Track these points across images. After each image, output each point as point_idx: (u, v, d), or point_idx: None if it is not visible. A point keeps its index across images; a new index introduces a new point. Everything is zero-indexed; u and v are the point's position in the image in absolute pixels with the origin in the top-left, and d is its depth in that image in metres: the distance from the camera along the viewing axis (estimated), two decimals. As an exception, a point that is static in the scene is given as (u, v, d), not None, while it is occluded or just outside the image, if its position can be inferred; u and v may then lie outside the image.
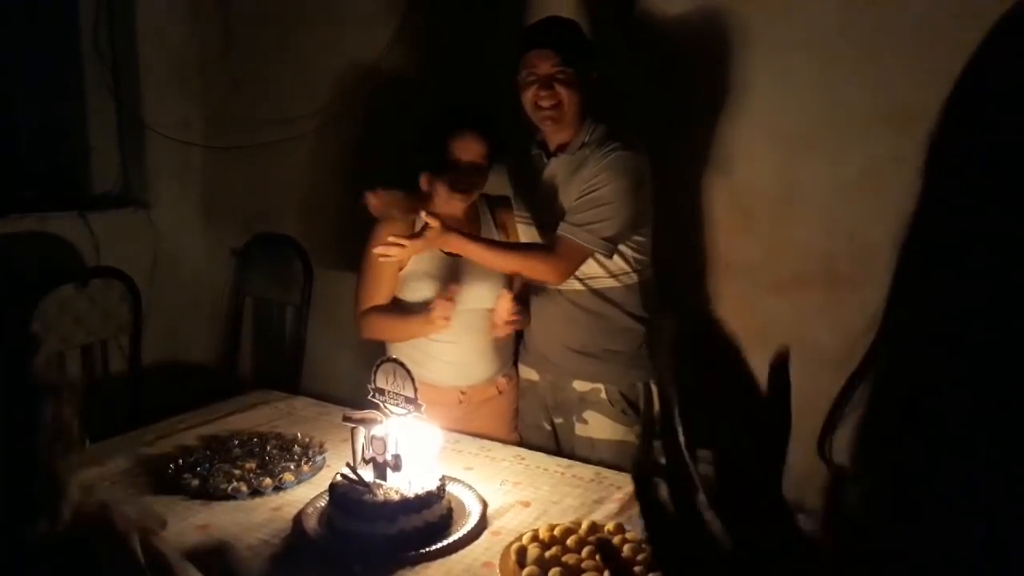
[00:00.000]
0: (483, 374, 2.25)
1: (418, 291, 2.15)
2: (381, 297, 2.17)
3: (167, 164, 3.33)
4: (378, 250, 1.98)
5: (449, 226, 2.01)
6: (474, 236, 2.09)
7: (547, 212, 2.16)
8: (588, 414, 2.20)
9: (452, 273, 2.13)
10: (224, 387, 2.81)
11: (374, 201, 2.07)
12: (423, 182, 2.06)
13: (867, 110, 2.18)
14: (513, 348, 2.33)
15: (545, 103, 2.04)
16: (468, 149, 2.04)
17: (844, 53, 2.20)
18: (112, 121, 3.29)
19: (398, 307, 2.18)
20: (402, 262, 2.12)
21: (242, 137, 3.23)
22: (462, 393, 2.21)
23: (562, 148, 2.14)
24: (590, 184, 2.05)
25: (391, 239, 1.96)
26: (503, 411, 2.32)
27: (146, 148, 3.27)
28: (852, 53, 2.19)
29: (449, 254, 2.12)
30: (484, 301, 2.14)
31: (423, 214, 1.96)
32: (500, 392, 2.30)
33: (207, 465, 1.90)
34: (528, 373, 2.33)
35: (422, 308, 2.07)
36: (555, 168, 2.15)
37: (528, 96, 2.06)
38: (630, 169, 2.06)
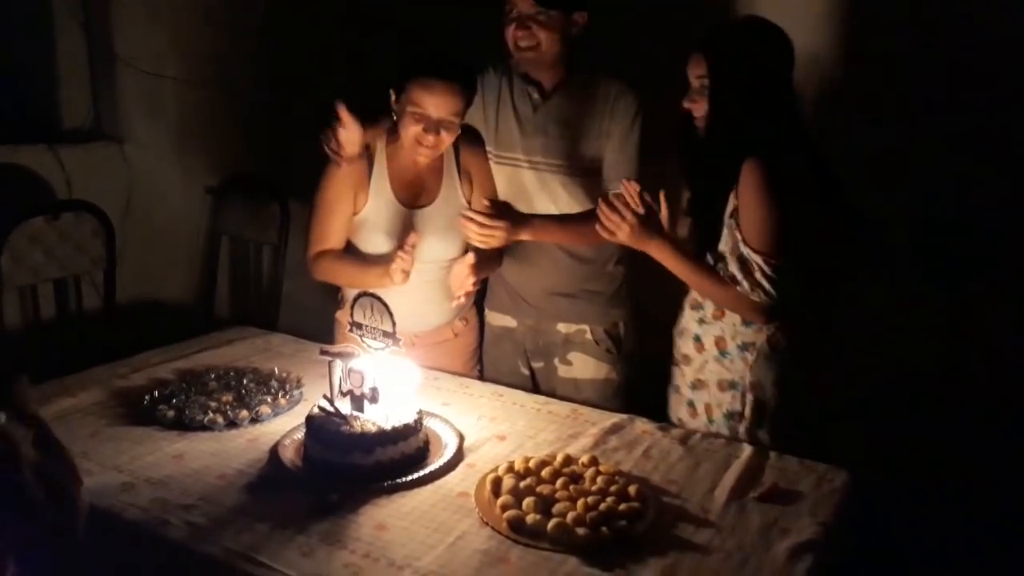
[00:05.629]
0: (437, 321, 2.20)
1: (372, 242, 2.09)
2: (334, 241, 2.10)
3: (139, 98, 3.25)
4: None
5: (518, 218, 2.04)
6: (542, 226, 2.07)
7: (543, 153, 2.11)
8: (573, 355, 2.21)
9: (408, 224, 2.06)
10: (200, 326, 2.79)
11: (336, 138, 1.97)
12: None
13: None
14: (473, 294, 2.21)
15: (523, 43, 1.99)
16: (441, 105, 1.91)
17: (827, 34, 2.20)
18: (83, 53, 3.20)
19: (353, 254, 2.12)
20: (357, 207, 2.07)
21: (215, 72, 3.15)
22: (415, 336, 2.12)
23: (556, 87, 2.09)
24: (614, 139, 2.05)
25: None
26: (458, 351, 2.28)
27: (117, 81, 3.20)
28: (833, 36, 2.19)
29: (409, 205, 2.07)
30: (443, 253, 2.09)
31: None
32: (456, 335, 2.25)
33: (183, 397, 1.89)
34: (502, 320, 2.30)
35: (379, 259, 2.02)
36: (552, 108, 2.09)
37: (508, 33, 2.01)
38: (639, 116, 2.05)
